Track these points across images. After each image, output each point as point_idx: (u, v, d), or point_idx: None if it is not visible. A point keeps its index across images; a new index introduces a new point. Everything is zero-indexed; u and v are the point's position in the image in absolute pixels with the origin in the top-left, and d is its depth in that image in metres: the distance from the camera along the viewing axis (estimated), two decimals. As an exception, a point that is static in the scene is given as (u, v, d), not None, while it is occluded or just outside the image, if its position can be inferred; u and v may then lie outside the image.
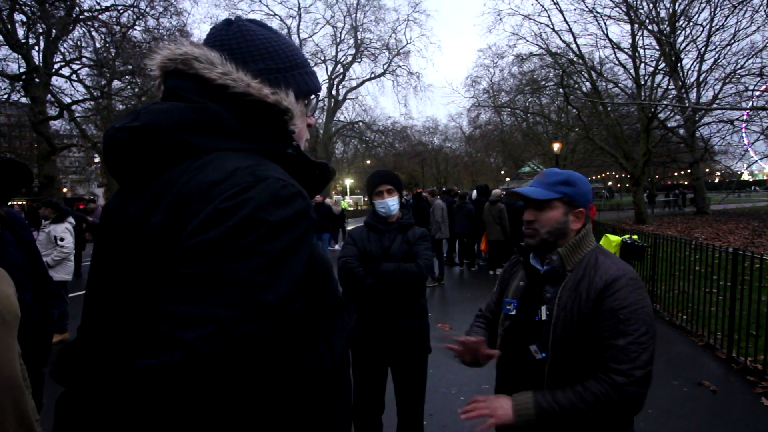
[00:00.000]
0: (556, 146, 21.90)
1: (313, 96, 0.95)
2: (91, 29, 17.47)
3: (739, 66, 17.55)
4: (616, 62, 21.08)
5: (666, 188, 43.62)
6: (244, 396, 0.65)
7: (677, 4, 18.19)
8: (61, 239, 5.38)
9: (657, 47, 19.04)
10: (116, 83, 19.45)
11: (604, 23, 19.97)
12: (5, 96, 16.70)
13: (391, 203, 2.49)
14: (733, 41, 17.53)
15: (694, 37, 18.59)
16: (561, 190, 1.38)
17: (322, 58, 31.29)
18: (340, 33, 31.29)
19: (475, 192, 10.61)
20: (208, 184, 0.70)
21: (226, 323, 0.61)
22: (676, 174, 44.54)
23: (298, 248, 0.71)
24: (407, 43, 42.95)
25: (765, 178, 55.82)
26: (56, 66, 17.64)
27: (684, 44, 18.85)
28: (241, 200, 0.67)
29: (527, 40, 22.16)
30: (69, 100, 18.05)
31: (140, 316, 0.71)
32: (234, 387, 0.62)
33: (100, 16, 17.57)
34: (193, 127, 0.78)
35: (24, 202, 27.46)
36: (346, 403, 0.89)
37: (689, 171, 25.99)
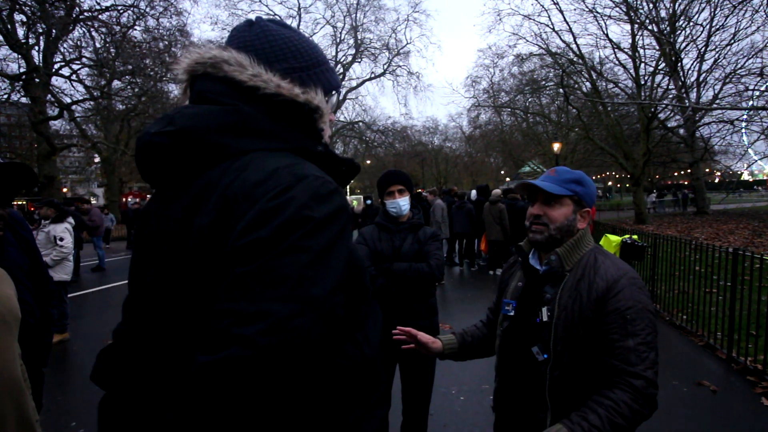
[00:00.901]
0: (556, 146, 21.90)
1: (335, 92, 0.96)
2: (91, 29, 17.49)
3: (739, 66, 17.55)
4: (616, 62, 21.08)
5: (667, 188, 43.56)
6: (296, 387, 0.67)
7: (677, 4, 18.19)
8: (61, 239, 5.40)
9: (657, 47, 19.04)
10: (116, 83, 19.48)
11: (604, 23, 19.99)
12: (5, 96, 16.72)
13: (403, 203, 2.50)
14: (733, 41, 17.53)
15: (694, 37, 18.60)
16: (573, 188, 1.38)
17: (322, 58, 31.29)
18: (340, 33, 31.30)
19: (474, 192, 10.61)
20: (252, 184, 0.72)
21: (281, 317, 0.64)
22: (676, 174, 44.51)
23: (339, 243, 0.74)
24: (407, 43, 42.98)
25: (765, 178, 55.80)
26: (56, 66, 17.65)
27: (684, 44, 18.85)
28: (285, 199, 0.70)
29: (527, 40, 22.17)
30: (69, 100, 18.06)
31: (190, 316, 0.73)
32: (289, 378, 0.65)
33: (100, 16, 17.58)
34: (228, 130, 0.79)
35: (24, 202, 27.46)
36: (383, 390, 0.92)
37: (689, 171, 25.98)
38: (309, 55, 0.90)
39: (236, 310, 0.64)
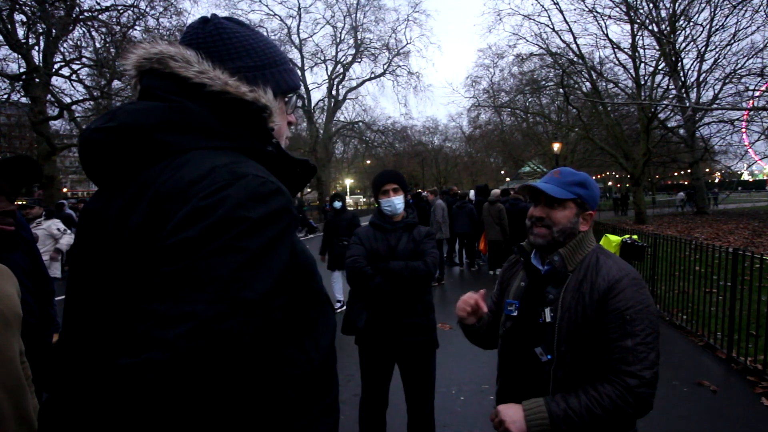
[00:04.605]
0: (556, 146, 21.90)
1: (293, 94, 0.94)
2: (91, 29, 17.46)
3: (739, 66, 17.59)
4: (616, 62, 21.11)
5: (668, 187, 43.49)
6: (229, 393, 0.65)
7: (677, 4, 18.20)
8: (65, 230, 5.68)
9: (657, 47, 19.04)
10: (116, 83, 19.42)
11: (604, 23, 20.02)
12: (5, 96, 16.70)
13: (397, 202, 2.52)
14: (733, 41, 17.57)
15: (694, 37, 18.64)
16: (576, 191, 1.37)
17: (322, 58, 31.24)
18: (340, 33, 31.25)
19: (472, 192, 10.61)
20: (186, 182, 0.70)
21: (206, 320, 0.61)
22: (676, 174, 44.49)
23: (279, 244, 0.71)
24: (407, 43, 42.91)
25: (765, 178, 55.79)
26: (56, 66, 17.62)
27: (684, 44, 18.87)
28: (219, 198, 0.67)
29: (527, 40, 22.22)
30: (69, 100, 18.04)
31: (121, 317, 0.71)
32: (217, 384, 0.62)
33: (100, 16, 17.55)
34: (171, 127, 0.77)
35: (24, 202, 27.42)
36: (332, 398, 0.89)
37: (689, 171, 25.99)
38: (264, 54, 0.88)
39: (160, 312, 0.61)
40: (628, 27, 19.58)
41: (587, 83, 21.69)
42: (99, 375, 0.70)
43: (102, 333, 0.74)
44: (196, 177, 0.70)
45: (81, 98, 18.87)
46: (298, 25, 30.28)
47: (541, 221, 1.38)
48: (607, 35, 20.29)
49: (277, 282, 0.69)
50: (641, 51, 19.68)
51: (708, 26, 17.94)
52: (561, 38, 20.62)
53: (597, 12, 19.26)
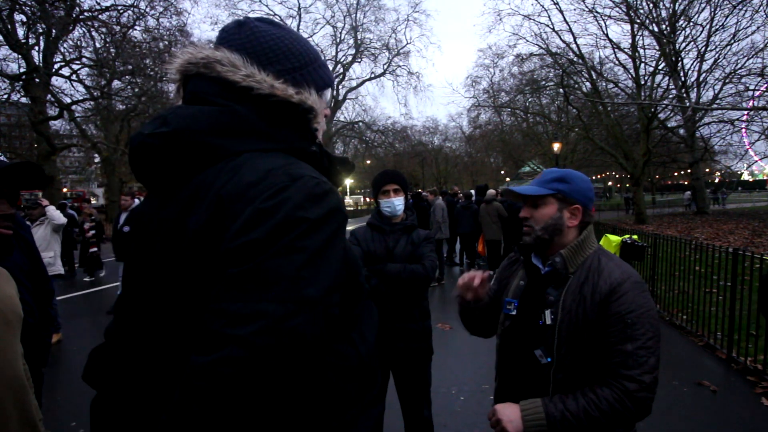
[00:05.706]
0: (556, 146, 21.90)
1: (328, 88, 0.96)
2: (91, 29, 17.49)
3: (739, 66, 17.59)
4: (616, 62, 21.13)
5: (668, 188, 43.60)
6: (291, 387, 0.68)
7: (677, 4, 18.22)
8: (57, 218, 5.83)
9: (657, 47, 19.06)
10: (116, 83, 19.46)
11: (604, 23, 20.04)
12: (5, 96, 16.71)
13: (398, 203, 2.46)
14: (733, 41, 17.58)
15: (694, 37, 18.64)
16: (554, 186, 1.38)
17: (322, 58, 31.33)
18: (340, 33, 31.30)
19: (473, 192, 10.61)
20: (246, 185, 0.72)
21: (277, 318, 0.64)
22: (676, 174, 44.51)
23: (335, 243, 0.74)
24: (407, 43, 43.04)
25: (765, 178, 55.79)
26: (56, 66, 17.64)
27: (684, 44, 18.88)
28: (280, 200, 0.70)
29: (527, 40, 22.28)
30: (69, 100, 18.06)
31: (183, 316, 0.73)
32: (284, 378, 0.66)
33: (100, 16, 17.58)
34: (222, 130, 0.79)
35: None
36: (378, 389, 0.92)
37: (689, 171, 25.99)
38: (301, 54, 0.89)
39: (231, 311, 0.64)
40: (628, 27, 19.63)
41: (587, 83, 21.72)
42: (160, 373, 0.73)
43: (162, 332, 0.76)
44: (255, 179, 0.72)
45: (81, 98, 18.89)
46: (298, 25, 30.30)
47: (527, 221, 1.41)
48: (607, 35, 20.36)
49: (335, 279, 0.72)
50: (641, 51, 19.72)
51: (708, 26, 17.97)
52: (561, 38, 20.68)
53: (597, 12, 19.31)
